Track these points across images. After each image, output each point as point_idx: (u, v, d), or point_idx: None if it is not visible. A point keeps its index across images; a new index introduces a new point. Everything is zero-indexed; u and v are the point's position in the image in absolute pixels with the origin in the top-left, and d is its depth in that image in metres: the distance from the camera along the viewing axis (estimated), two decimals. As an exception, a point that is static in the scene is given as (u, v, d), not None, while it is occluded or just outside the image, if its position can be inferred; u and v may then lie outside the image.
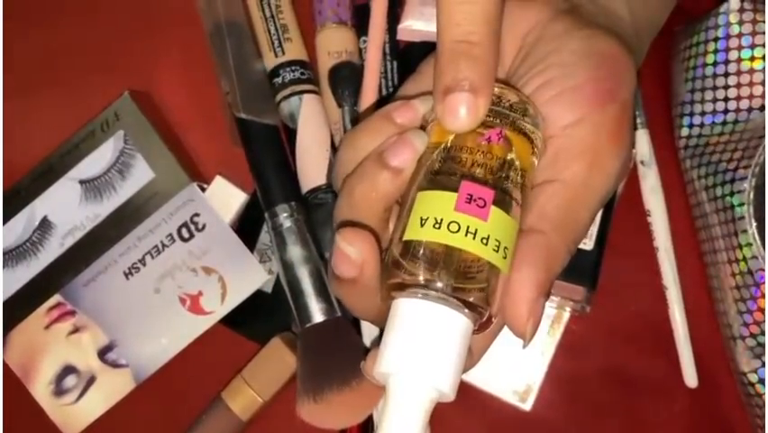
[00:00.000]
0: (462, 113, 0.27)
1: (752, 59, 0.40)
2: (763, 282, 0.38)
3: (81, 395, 0.46)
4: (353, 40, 0.46)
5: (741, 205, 0.39)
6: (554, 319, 0.44)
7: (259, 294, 0.45)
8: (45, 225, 0.47)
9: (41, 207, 0.47)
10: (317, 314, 0.42)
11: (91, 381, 0.46)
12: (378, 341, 0.28)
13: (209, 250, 0.45)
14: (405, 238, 0.26)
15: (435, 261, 0.25)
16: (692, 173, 0.43)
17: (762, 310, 0.38)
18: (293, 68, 0.46)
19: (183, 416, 0.46)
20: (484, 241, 0.25)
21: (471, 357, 0.29)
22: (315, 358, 0.42)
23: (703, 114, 0.42)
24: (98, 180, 0.46)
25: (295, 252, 0.42)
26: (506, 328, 0.28)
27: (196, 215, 0.45)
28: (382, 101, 0.45)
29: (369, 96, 0.45)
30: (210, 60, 0.46)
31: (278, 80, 0.45)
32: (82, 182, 0.46)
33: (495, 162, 0.27)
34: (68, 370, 0.46)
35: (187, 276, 0.45)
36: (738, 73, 0.41)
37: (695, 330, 0.44)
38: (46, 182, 0.47)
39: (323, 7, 0.46)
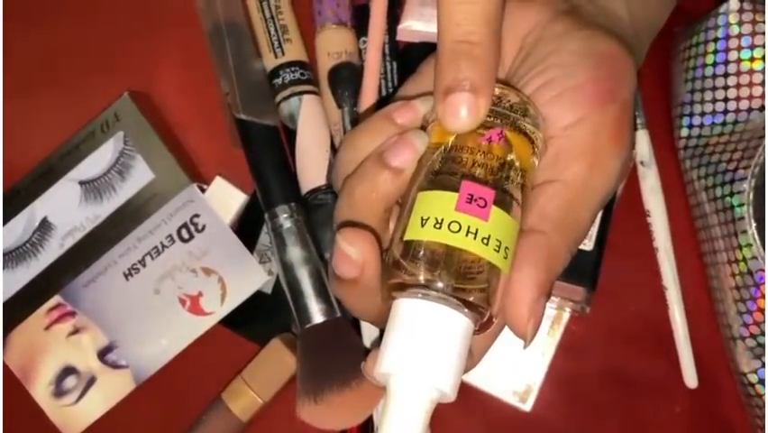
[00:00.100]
0: (463, 113, 0.27)
1: (751, 59, 0.40)
2: (763, 283, 0.38)
3: (81, 396, 0.46)
4: (353, 40, 0.46)
5: (741, 205, 0.39)
6: (554, 320, 0.44)
7: (258, 295, 0.45)
8: (45, 226, 0.46)
9: (40, 207, 0.47)
10: (317, 315, 0.42)
11: (91, 382, 0.46)
12: (378, 342, 0.28)
13: (209, 251, 0.45)
14: (405, 238, 0.26)
15: (436, 261, 0.25)
16: (692, 174, 0.43)
17: (762, 311, 0.38)
18: (293, 68, 0.46)
19: (183, 417, 0.46)
20: (485, 241, 0.25)
21: (472, 358, 0.29)
22: (315, 359, 0.42)
23: (703, 114, 0.42)
24: (98, 181, 0.46)
25: (294, 252, 0.42)
26: (506, 329, 0.28)
27: (196, 215, 0.45)
28: (382, 102, 0.45)
29: (368, 96, 0.45)
30: (210, 61, 0.46)
31: (278, 81, 0.45)
32: (82, 183, 0.46)
33: (495, 162, 0.27)
34: (68, 371, 0.46)
35: (187, 277, 0.45)
36: (738, 73, 0.41)
37: (695, 331, 0.44)
38: (46, 183, 0.47)
39: (322, 8, 0.46)
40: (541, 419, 0.44)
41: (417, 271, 0.25)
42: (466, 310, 0.25)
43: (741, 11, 0.40)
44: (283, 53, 0.46)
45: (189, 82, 0.49)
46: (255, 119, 0.44)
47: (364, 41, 0.46)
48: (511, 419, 0.45)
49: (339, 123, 0.45)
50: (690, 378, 0.44)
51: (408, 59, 0.46)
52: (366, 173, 0.28)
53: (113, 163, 0.46)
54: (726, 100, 0.41)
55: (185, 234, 0.45)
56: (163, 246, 0.45)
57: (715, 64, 0.41)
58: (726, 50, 0.41)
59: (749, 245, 0.38)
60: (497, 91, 0.28)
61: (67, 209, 0.46)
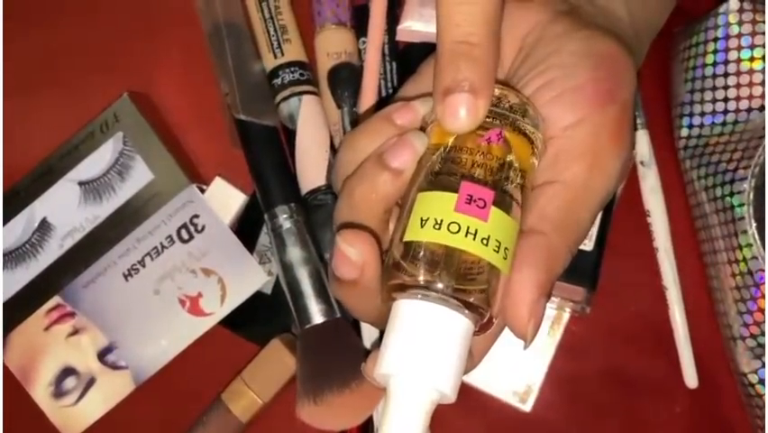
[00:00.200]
0: (462, 114, 0.27)
1: (751, 59, 0.40)
2: (763, 283, 0.38)
3: (81, 397, 0.46)
4: (353, 41, 0.46)
5: (741, 205, 0.39)
6: (554, 320, 0.44)
7: (258, 295, 0.45)
8: (44, 227, 0.46)
9: (40, 208, 0.47)
10: (317, 315, 0.42)
11: (91, 382, 0.46)
12: (378, 343, 0.28)
13: (209, 251, 0.45)
14: (405, 239, 0.26)
15: (436, 262, 0.25)
16: (692, 174, 0.43)
17: (762, 311, 0.38)
18: (292, 69, 0.45)
19: (183, 417, 0.46)
20: (484, 241, 0.25)
21: (472, 359, 0.29)
22: (314, 359, 0.42)
23: (703, 114, 0.42)
24: (97, 182, 0.46)
25: (294, 253, 0.42)
26: (506, 329, 0.28)
27: (196, 216, 0.45)
28: (382, 102, 0.45)
29: (368, 97, 0.45)
30: (209, 62, 0.46)
31: (278, 81, 0.45)
32: (81, 184, 0.46)
33: (495, 163, 0.27)
34: (68, 372, 0.46)
35: (187, 277, 0.45)
36: (738, 73, 0.41)
37: (695, 331, 0.44)
38: (45, 183, 0.47)
39: (322, 8, 0.46)
40: (541, 419, 0.44)
41: (417, 272, 0.25)
42: (466, 311, 0.25)
43: (741, 11, 0.40)
44: (282, 54, 0.46)
45: (189, 83, 0.49)
46: (255, 119, 0.44)
47: (364, 42, 0.46)
48: (511, 420, 0.45)
49: (338, 123, 0.45)
50: (691, 378, 0.44)
51: (408, 59, 0.46)
52: (366, 174, 0.28)
53: (112, 164, 0.46)
54: (726, 100, 0.41)
55: (184, 234, 0.45)
56: (163, 247, 0.45)
57: (715, 64, 0.41)
58: (726, 50, 0.41)
59: (749, 245, 0.38)
60: (496, 92, 0.28)
61: (66, 210, 0.46)
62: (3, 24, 0.50)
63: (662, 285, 0.44)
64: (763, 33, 0.40)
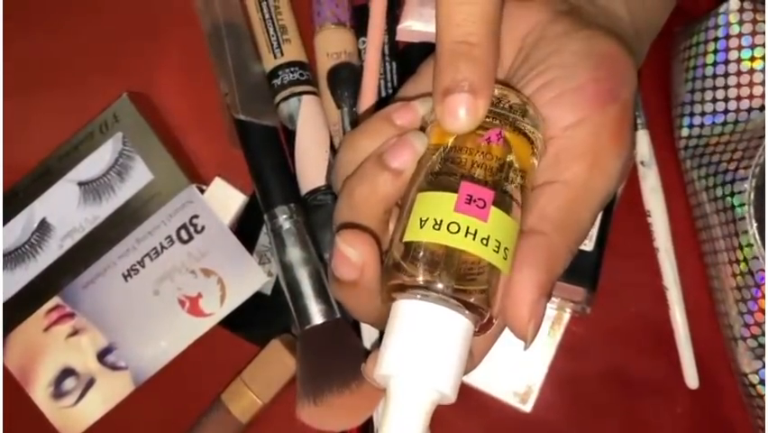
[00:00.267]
0: (462, 114, 0.26)
1: (752, 59, 0.40)
2: (764, 283, 0.38)
3: (80, 398, 0.46)
4: (352, 41, 0.46)
5: (741, 205, 0.39)
6: (555, 320, 0.44)
7: (258, 296, 0.45)
8: (44, 227, 0.46)
9: (39, 208, 0.47)
10: (317, 316, 0.42)
11: (90, 383, 0.46)
12: (378, 343, 0.28)
13: (208, 252, 0.45)
14: (405, 239, 0.26)
15: (436, 262, 0.25)
16: (692, 174, 0.43)
17: (763, 311, 0.38)
18: (292, 69, 0.45)
19: (182, 418, 0.46)
20: (484, 242, 0.25)
21: (472, 359, 0.29)
22: (314, 360, 0.42)
23: (703, 114, 0.42)
24: (97, 182, 0.46)
25: (294, 253, 0.42)
26: (506, 329, 0.28)
27: (195, 216, 0.45)
28: (382, 102, 0.45)
29: (368, 97, 0.45)
30: (209, 62, 0.46)
31: (277, 81, 0.45)
32: (81, 184, 0.46)
33: (495, 163, 0.26)
34: (68, 372, 0.46)
35: (187, 278, 0.45)
36: (738, 73, 0.41)
37: (696, 331, 0.44)
38: (45, 184, 0.47)
39: (321, 8, 0.46)
40: (541, 419, 0.44)
41: (417, 272, 0.25)
42: (466, 312, 0.25)
43: (741, 10, 0.40)
44: (282, 54, 0.46)
45: (188, 83, 0.49)
46: (254, 120, 0.44)
47: (363, 42, 0.46)
48: (512, 420, 0.44)
49: (338, 123, 0.45)
50: (691, 378, 0.44)
51: (408, 59, 0.46)
52: (366, 174, 0.28)
53: (112, 164, 0.46)
54: (726, 100, 0.41)
55: (184, 235, 0.45)
56: (162, 247, 0.45)
57: (715, 64, 0.41)
58: (727, 50, 0.41)
59: (750, 245, 0.38)
60: (496, 92, 0.28)
61: (66, 210, 0.46)
62: (3, 25, 0.50)
63: (663, 285, 0.44)
64: (764, 33, 0.40)
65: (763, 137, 0.39)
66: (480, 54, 0.27)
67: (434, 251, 0.25)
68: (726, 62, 0.41)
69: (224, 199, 0.46)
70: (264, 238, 0.46)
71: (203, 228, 0.45)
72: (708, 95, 0.42)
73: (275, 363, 0.44)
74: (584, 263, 0.41)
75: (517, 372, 0.44)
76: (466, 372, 0.26)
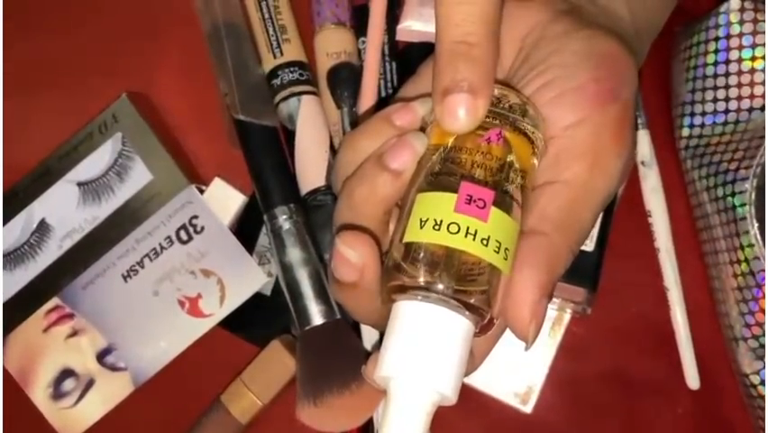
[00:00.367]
0: (461, 114, 0.26)
1: (753, 58, 0.40)
2: (765, 283, 0.38)
3: (80, 398, 0.46)
4: (352, 41, 0.46)
5: (742, 205, 0.39)
6: (555, 321, 0.44)
7: (258, 296, 0.45)
8: (43, 228, 0.46)
9: (39, 209, 0.46)
10: (317, 316, 0.41)
11: (90, 384, 0.46)
12: (378, 344, 0.28)
13: (208, 252, 0.45)
14: (405, 240, 0.26)
15: (436, 263, 0.25)
16: (693, 174, 0.43)
17: (763, 311, 0.38)
18: (292, 69, 0.45)
19: (182, 419, 0.45)
20: (484, 242, 0.25)
21: (473, 360, 0.28)
22: (314, 361, 0.41)
23: (704, 114, 0.42)
24: (96, 183, 0.46)
25: (294, 254, 0.42)
26: (506, 330, 0.28)
27: (195, 217, 0.45)
28: (382, 102, 0.45)
29: (368, 97, 0.45)
30: (208, 62, 0.46)
31: (277, 81, 0.45)
32: (80, 184, 0.46)
33: (495, 163, 0.26)
34: (67, 373, 0.46)
35: (186, 278, 0.45)
36: (739, 73, 0.41)
37: (696, 331, 0.44)
38: (44, 184, 0.46)
39: (321, 8, 0.46)
40: (542, 420, 0.44)
41: (417, 273, 0.25)
42: (467, 312, 0.25)
43: (742, 10, 0.40)
44: (282, 54, 0.46)
45: (188, 83, 0.49)
46: (254, 120, 0.44)
47: (363, 42, 0.46)
48: (512, 421, 0.44)
49: (338, 123, 0.45)
50: (692, 379, 0.44)
51: (408, 59, 0.46)
52: (365, 175, 0.28)
53: (111, 164, 0.46)
54: (727, 100, 0.41)
55: (183, 235, 0.45)
56: (162, 248, 0.45)
57: (716, 63, 0.41)
58: (727, 50, 0.41)
59: (751, 246, 0.38)
60: (496, 92, 0.28)
61: (65, 211, 0.46)
62: (3, 25, 0.50)
63: (664, 286, 0.44)
64: (765, 33, 0.40)
65: (763, 137, 0.39)
66: (480, 54, 0.27)
67: (435, 251, 0.25)
68: (727, 62, 0.41)
69: (224, 200, 0.46)
70: (264, 239, 0.46)
71: (202, 229, 0.45)
72: (709, 94, 0.42)
73: (275, 364, 0.44)
74: (585, 264, 0.41)
75: (518, 372, 0.44)
76: (467, 373, 0.26)
